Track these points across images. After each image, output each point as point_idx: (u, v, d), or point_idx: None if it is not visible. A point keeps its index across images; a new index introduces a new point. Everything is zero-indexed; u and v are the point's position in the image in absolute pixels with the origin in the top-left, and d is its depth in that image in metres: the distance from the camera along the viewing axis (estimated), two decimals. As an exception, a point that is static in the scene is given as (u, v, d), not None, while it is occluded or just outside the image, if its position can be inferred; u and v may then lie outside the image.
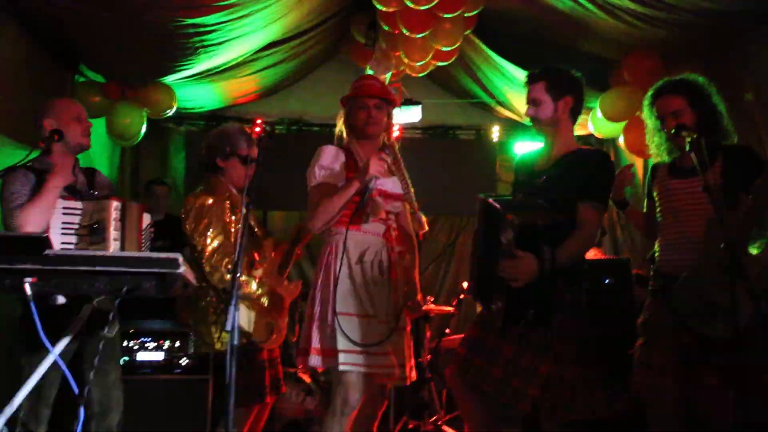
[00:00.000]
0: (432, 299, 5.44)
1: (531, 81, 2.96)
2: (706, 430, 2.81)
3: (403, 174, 3.17)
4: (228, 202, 3.41)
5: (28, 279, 2.46)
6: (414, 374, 3.06)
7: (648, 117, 3.05)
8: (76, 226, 3.16)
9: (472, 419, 2.99)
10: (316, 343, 2.90)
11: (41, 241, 2.57)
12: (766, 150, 4.46)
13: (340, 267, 2.93)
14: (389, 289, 3.02)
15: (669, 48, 4.80)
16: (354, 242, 2.98)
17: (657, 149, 3.05)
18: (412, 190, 3.16)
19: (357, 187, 2.90)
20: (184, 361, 4.40)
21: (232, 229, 3.35)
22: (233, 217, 3.38)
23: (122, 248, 3.15)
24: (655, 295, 3.01)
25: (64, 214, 3.14)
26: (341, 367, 2.83)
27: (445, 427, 4.86)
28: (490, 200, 2.77)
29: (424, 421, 4.85)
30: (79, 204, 3.17)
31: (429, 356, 5.08)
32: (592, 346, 2.82)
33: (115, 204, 3.19)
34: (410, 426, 4.85)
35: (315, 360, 2.90)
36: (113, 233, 3.17)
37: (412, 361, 3.07)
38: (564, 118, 2.93)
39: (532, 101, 2.94)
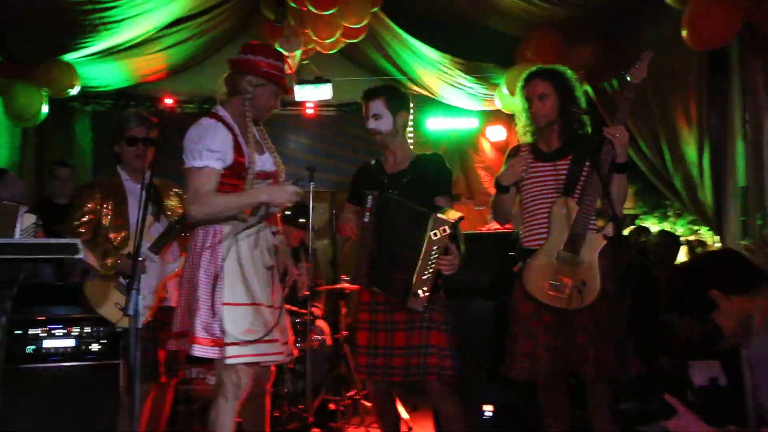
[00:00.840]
0: (346, 278, 5.50)
1: (370, 97, 3.23)
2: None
3: (273, 150, 3.09)
4: (97, 190, 3.48)
5: None
6: (296, 350, 3.27)
7: (519, 98, 3.26)
8: None
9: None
10: (200, 332, 2.78)
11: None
12: (656, 121, 4.72)
13: (226, 254, 2.84)
14: (273, 273, 2.99)
15: (569, 27, 4.98)
16: (237, 227, 2.87)
17: (522, 129, 3.26)
18: (282, 166, 3.09)
19: (257, 203, 2.86)
20: (94, 347, 4.31)
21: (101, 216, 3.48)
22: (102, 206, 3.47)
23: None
24: (517, 276, 3.19)
25: None
26: (230, 361, 2.76)
27: (363, 401, 4.95)
28: (406, 202, 3.01)
29: (342, 396, 4.92)
30: None
31: (345, 332, 5.15)
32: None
33: None
34: (330, 403, 4.92)
35: (200, 350, 2.78)
36: None
37: (293, 337, 3.12)
38: (401, 130, 3.27)
39: (373, 116, 3.20)
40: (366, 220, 3.03)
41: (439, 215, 2.92)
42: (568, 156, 3.08)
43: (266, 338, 2.82)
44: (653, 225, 6.72)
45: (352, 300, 6.37)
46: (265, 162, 2.96)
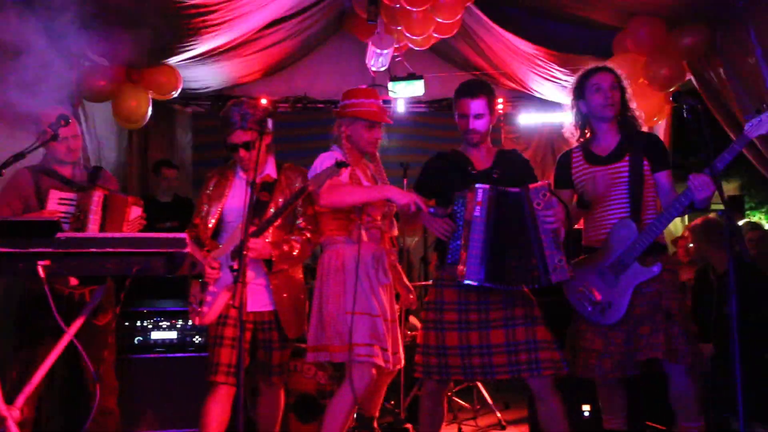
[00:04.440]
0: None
1: (474, 95, 3.18)
2: None
3: (385, 181, 3.46)
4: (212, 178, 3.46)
5: (41, 262, 2.53)
6: (403, 359, 3.52)
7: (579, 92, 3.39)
8: (70, 215, 3.36)
9: None
10: (334, 340, 3.19)
11: (53, 225, 2.63)
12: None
13: (354, 272, 3.21)
14: (390, 291, 3.39)
15: (672, 13, 4.76)
16: (361, 249, 3.24)
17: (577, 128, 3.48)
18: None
19: (381, 198, 3.22)
20: (197, 339, 4.48)
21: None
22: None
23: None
24: None
25: (59, 204, 3.37)
26: (357, 359, 3.12)
27: (455, 398, 4.92)
28: (512, 189, 3.03)
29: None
30: (73, 195, 3.40)
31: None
32: None
33: (98, 194, 3.39)
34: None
35: (338, 357, 3.18)
36: (93, 221, 3.36)
37: (401, 348, 3.48)
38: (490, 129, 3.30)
39: (475, 116, 3.18)
40: (477, 214, 2.93)
41: (531, 186, 2.99)
42: (624, 157, 3.20)
43: (384, 345, 3.19)
44: (763, 221, 6.37)
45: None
46: None
